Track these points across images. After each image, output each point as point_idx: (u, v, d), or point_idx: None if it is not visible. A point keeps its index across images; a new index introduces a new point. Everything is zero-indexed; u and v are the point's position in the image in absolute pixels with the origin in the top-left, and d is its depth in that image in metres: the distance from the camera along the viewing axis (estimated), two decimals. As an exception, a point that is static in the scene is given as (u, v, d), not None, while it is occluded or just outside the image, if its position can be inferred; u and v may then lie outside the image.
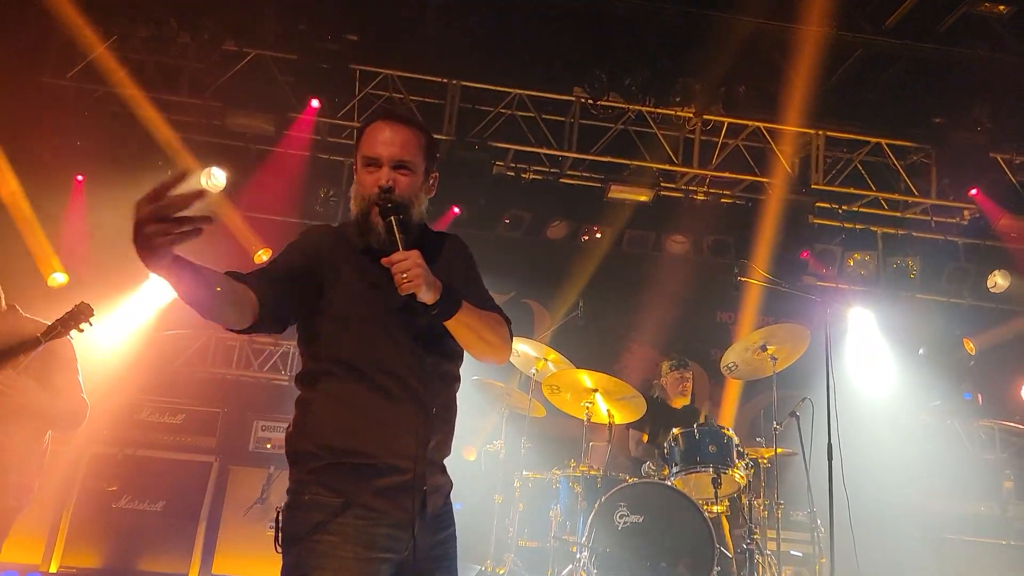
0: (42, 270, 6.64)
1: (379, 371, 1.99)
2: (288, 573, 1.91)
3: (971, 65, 6.86)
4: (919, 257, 7.70)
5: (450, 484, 2.13)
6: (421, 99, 7.54)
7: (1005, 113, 7.32)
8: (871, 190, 7.80)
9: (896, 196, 7.84)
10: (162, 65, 7.05)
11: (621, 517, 4.57)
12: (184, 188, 1.56)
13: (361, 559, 1.88)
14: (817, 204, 7.71)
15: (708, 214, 7.93)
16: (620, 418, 5.38)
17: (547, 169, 7.82)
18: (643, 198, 7.61)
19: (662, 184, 7.78)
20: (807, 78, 6.76)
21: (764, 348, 5.25)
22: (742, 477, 4.97)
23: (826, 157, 7.78)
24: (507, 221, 7.63)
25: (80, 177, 6.95)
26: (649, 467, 5.20)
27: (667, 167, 7.70)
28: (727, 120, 7.56)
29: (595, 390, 5.17)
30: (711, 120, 7.57)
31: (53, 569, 5.37)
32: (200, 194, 1.56)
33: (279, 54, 7.11)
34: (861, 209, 7.98)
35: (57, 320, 3.36)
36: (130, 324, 6.63)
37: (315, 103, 7.01)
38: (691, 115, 7.47)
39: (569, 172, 7.84)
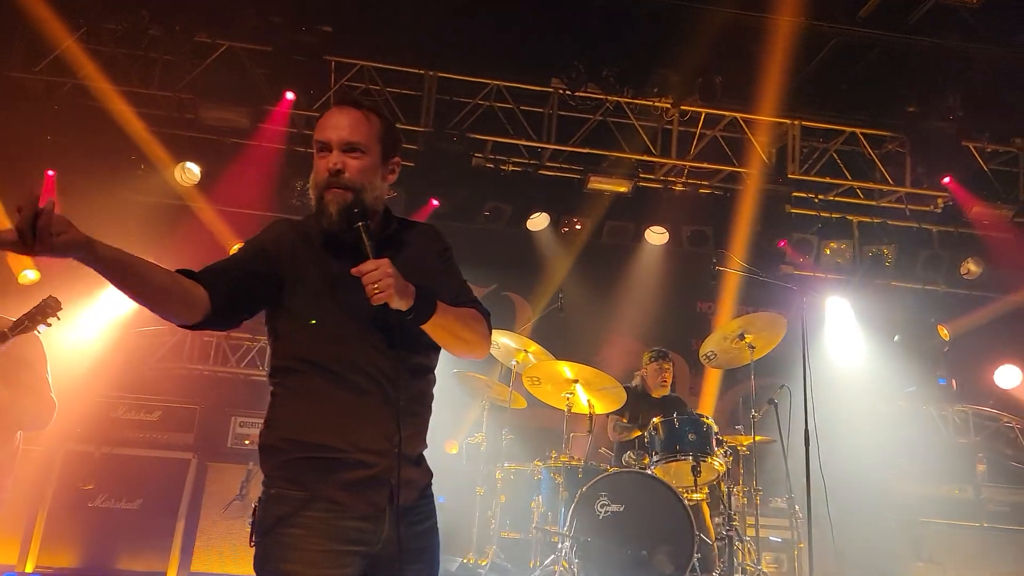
0: (12, 267, 6.52)
1: (345, 366, 1.97)
2: (258, 565, 1.91)
3: (943, 55, 6.95)
4: (894, 245, 7.79)
5: (427, 477, 2.11)
6: (398, 91, 7.47)
7: (976, 102, 7.41)
8: (847, 179, 7.88)
9: (871, 185, 7.93)
10: (133, 57, 6.92)
11: (602, 507, 4.60)
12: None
13: (327, 551, 1.87)
14: (794, 193, 7.78)
15: (686, 204, 7.97)
16: (601, 408, 5.40)
17: (526, 161, 7.80)
18: (622, 189, 7.63)
19: (641, 175, 7.81)
20: (783, 69, 6.80)
21: (742, 337, 5.31)
22: (721, 465, 5.02)
23: (802, 147, 7.83)
24: (487, 213, 7.61)
25: (51, 172, 6.82)
26: (630, 456, 5.24)
27: (645, 158, 7.71)
28: (704, 111, 7.59)
29: (576, 381, 5.19)
30: (688, 111, 7.58)
31: (29, 569, 5.29)
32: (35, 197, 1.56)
33: (253, 46, 7.00)
34: (837, 198, 8.06)
35: (24, 315, 3.31)
36: (104, 321, 6.55)
37: (290, 95, 6.92)
38: (669, 106, 7.49)
39: (548, 164, 7.83)
